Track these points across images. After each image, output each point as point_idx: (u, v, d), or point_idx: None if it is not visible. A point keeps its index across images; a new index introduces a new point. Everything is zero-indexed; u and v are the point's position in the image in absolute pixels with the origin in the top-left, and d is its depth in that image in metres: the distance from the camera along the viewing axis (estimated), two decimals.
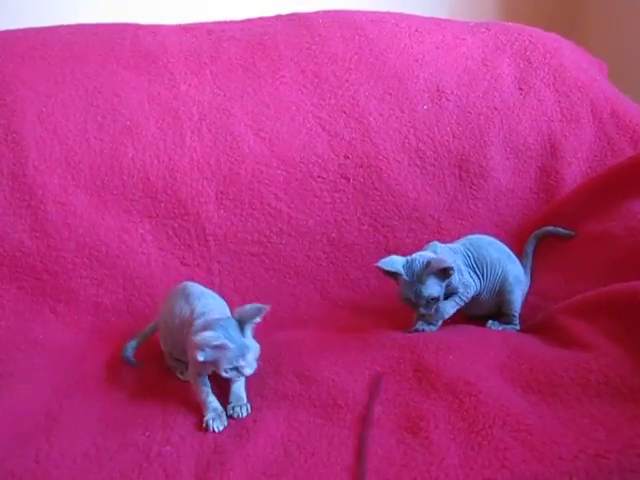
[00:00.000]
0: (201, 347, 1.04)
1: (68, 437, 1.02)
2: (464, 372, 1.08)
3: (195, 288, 1.23)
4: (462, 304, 1.30)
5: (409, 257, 1.26)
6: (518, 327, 1.34)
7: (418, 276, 1.23)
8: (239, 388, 1.11)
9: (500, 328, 1.31)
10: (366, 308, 1.49)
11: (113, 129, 1.60)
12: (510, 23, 1.93)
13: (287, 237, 1.56)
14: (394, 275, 1.26)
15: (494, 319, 1.34)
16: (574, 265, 1.44)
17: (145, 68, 1.69)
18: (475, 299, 1.32)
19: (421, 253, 1.27)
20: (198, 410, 1.09)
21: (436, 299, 1.24)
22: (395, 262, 1.25)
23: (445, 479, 0.88)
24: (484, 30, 1.87)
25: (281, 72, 1.72)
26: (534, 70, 1.77)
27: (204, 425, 1.04)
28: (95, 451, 0.98)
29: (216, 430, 1.03)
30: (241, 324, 1.08)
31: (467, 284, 1.29)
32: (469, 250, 1.33)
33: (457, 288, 1.28)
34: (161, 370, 1.26)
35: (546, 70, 1.77)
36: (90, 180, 1.55)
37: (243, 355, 1.06)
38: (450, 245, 1.35)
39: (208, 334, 1.04)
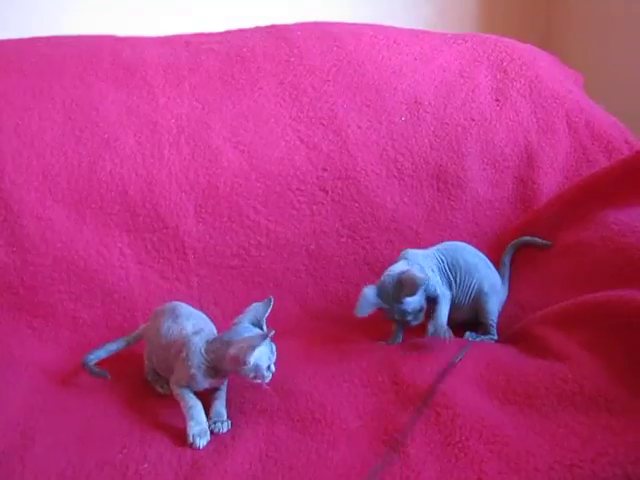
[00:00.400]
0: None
1: (43, 456, 1.01)
2: (441, 385, 1.09)
3: (184, 309, 1.22)
4: (450, 299, 1.31)
5: (379, 282, 1.26)
6: (496, 337, 1.35)
7: (394, 297, 1.23)
8: (220, 405, 1.12)
9: (478, 339, 1.32)
10: (345, 320, 1.48)
11: (91, 142, 1.58)
12: (486, 34, 1.95)
13: (266, 250, 1.56)
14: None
15: (472, 329, 1.35)
16: (550, 275, 1.45)
17: (123, 81, 1.69)
18: (451, 305, 1.33)
19: (389, 272, 1.27)
20: (176, 425, 1.09)
21: (421, 309, 1.25)
22: (367, 301, 1.24)
23: None
24: (461, 42, 1.89)
25: (260, 84, 1.72)
26: (510, 81, 1.79)
27: (189, 441, 1.04)
28: (71, 471, 0.97)
29: (200, 447, 1.03)
30: (258, 323, 1.12)
31: (436, 285, 1.30)
32: (442, 255, 1.35)
33: (435, 290, 1.28)
34: (140, 384, 1.25)
35: (522, 81, 1.79)
36: (68, 194, 1.53)
37: (272, 352, 1.09)
38: (423, 251, 1.36)
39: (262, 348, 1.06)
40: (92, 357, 1.27)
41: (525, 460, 0.92)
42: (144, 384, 1.25)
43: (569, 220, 1.53)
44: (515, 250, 1.54)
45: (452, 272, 1.34)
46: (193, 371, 1.09)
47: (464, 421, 1.00)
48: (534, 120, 1.74)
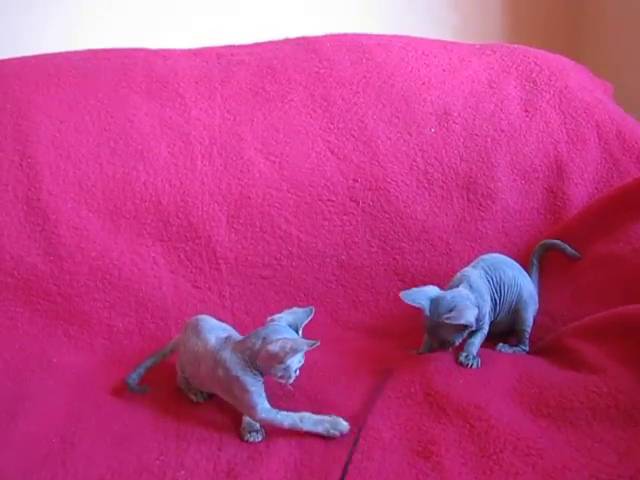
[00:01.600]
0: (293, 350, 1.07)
1: (83, 461, 1.04)
2: (474, 396, 1.09)
3: (206, 322, 1.23)
4: (486, 333, 1.30)
5: (441, 293, 1.25)
6: (527, 348, 1.35)
7: (439, 318, 1.21)
8: None
9: (510, 351, 1.32)
10: (376, 330, 1.50)
11: (125, 153, 1.61)
12: (515, 45, 1.95)
13: (297, 260, 1.57)
14: None
15: (504, 341, 1.35)
16: (582, 286, 1.44)
17: (156, 92, 1.71)
18: (492, 322, 1.33)
19: (453, 292, 1.26)
20: (210, 433, 1.10)
21: (451, 344, 1.24)
22: (421, 296, 1.24)
23: None
24: (490, 52, 1.88)
25: (290, 96, 1.74)
26: (539, 92, 1.78)
27: (244, 438, 1.08)
28: (110, 476, 0.99)
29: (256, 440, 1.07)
30: (295, 328, 1.13)
31: (484, 313, 1.28)
32: (489, 275, 1.34)
33: (483, 325, 1.28)
34: (174, 392, 1.27)
35: (552, 92, 1.78)
36: (103, 204, 1.56)
37: (302, 356, 1.10)
38: (479, 272, 1.33)
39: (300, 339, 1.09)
40: (134, 376, 1.28)
41: (561, 474, 0.92)
42: (178, 392, 1.26)
43: (600, 232, 1.52)
44: (544, 251, 1.54)
45: (497, 292, 1.33)
46: (243, 378, 1.09)
47: (498, 433, 1.00)
48: (564, 131, 1.74)
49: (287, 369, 1.08)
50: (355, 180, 1.64)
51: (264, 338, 1.09)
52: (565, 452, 0.97)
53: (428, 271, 1.53)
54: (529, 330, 1.35)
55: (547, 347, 1.32)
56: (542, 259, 1.54)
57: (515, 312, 1.35)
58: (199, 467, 1.01)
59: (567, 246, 1.51)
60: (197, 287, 1.54)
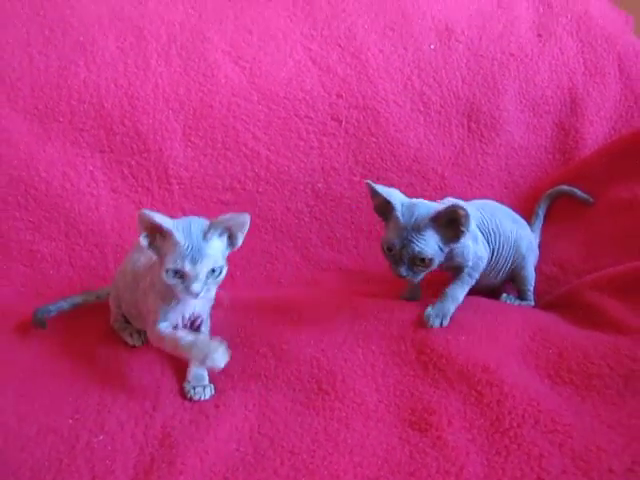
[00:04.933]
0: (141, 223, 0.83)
1: None
2: (481, 357, 0.88)
3: None
4: (473, 284, 1.05)
5: (414, 200, 0.99)
6: (533, 303, 1.14)
7: (416, 222, 0.94)
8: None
9: (516, 303, 1.10)
10: (354, 272, 1.28)
11: (62, 44, 1.36)
12: None
13: (265, 184, 1.36)
14: (385, 210, 0.98)
15: (507, 293, 1.13)
16: (599, 235, 1.25)
17: None
18: (484, 274, 1.09)
19: (430, 202, 1.00)
20: (146, 387, 0.86)
21: (427, 262, 0.96)
22: (393, 193, 0.98)
23: None
24: None
25: None
26: (555, 16, 1.58)
27: (187, 395, 0.85)
28: (2, 439, 0.75)
29: (203, 398, 0.84)
30: (209, 233, 0.85)
31: (480, 256, 1.04)
32: (483, 216, 1.09)
33: (467, 261, 1.02)
34: (105, 334, 1.03)
35: (569, 16, 1.58)
36: (31, 103, 1.31)
37: (193, 259, 0.83)
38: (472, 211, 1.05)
39: (157, 214, 0.83)
40: (52, 309, 1.07)
41: (596, 458, 0.72)
42: (110, 336, 1.03)
43: (619, 175, 1.32)
44: (551, 201, 1.33)
45: (492, 238, 1.09)
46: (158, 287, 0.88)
47: (514, 403, 0.79)
48: (581, 61, 1.54)
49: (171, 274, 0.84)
50: (339, 96, 1.43)
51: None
52: (597, 430, 0.76)
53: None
54: (532, 288, 1.15)
55: (559, 301, 1.13)
56: (549, 206, 1.33)
57: (514, 270, 1.13)
58: (124, 431, 0.77)
59: (577, 190, 1.30)
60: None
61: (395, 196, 0.98)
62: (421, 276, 0.98)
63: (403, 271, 0.96)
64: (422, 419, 0.78)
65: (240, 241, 0.88)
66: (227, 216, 0.85)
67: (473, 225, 1.01)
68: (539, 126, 1.47)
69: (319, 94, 1.40)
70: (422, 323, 0.96)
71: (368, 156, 1.38)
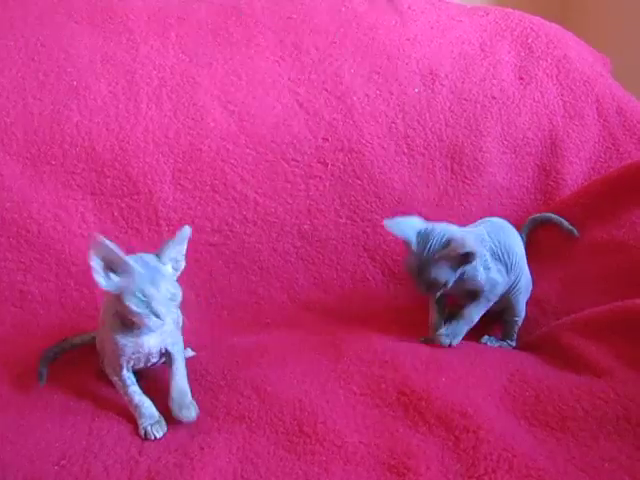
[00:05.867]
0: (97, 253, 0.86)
1: None
2: (460, 400, 0.90)
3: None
4: (489, 306, 1.12)
5: (429, 225, 1.08)
6: (514, 344, 1.16)
7: (430, 253, 1.04)
8: (181, 379, 0.93)
9: (497, 345, 1.13)
10: (339, 313, 1.29)
11: (56, 89, 1.38)
12: (509, 9, 1.76)
13: (252, 227, 1.37)
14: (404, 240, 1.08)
15: (489, 334, 1.16)
16: (577, 275, 1.28)
17: (100, 23, 1.49)
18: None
19: (445, 225, 1.09)
20: (132, 431, 0.88)
21: (442, 285, 1.05)
22: (408, 227, 1.07)
23: None
24: (482, 14, 1.72)
25: (256, 40, 1.54)
26: (536, 60, 1.62)
27: (142, 433, 0.87)
28: None
29: (157, 436, 0.87)
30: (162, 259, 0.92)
31: (494, 282, 1.11)
32: (492, 238, 1.13)
33: (483, 286, 1.09)
34: (92, 378, 1.04)
35: (549, 60, 1.62)
36: (24, 146, 1.33)
37: (154, 281, 0.86)
38: (474, 230, 1.15)
39: (110, 244, 0.86)
40: (50, 354, 1.08)
41: None
42: (98, 376, 1.03)
43: (598, 215, 1.35)
44: (534, 226, 1.36)
45: (504, 260, 1.13)
46: (111, 334, 0.91)
47: (489, 448, 0.81)
48: (561, 103, 1.57)
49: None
50: (325, 139, 1.45)
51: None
52: (570, 473, 0.79)
53: (403, 248, 1.33)
54: (520, 323, 1.17)
55: (538, 342, 1.14)
56: (529, 237, 1.35)
57: (507, 299, 1.15)
58: (110, 477, 0.78)
59: (564, 220, 1.33)
60: (132, 251, 1.30)
61: (410, 228, 1.07)
62: (440, 292, 1.09)
63: (422, 291, 1.08)
64: (401, 463, 0.80)
65: (182, 265, 0.93)
66: (172, 241, 0.92)
67: (484, 251, 1.09)
68: (521, 167, 1.50)
69: (306, 137, 1.42)
70: (433, 340, 1.08)
71: (353, 198, 1.40)
